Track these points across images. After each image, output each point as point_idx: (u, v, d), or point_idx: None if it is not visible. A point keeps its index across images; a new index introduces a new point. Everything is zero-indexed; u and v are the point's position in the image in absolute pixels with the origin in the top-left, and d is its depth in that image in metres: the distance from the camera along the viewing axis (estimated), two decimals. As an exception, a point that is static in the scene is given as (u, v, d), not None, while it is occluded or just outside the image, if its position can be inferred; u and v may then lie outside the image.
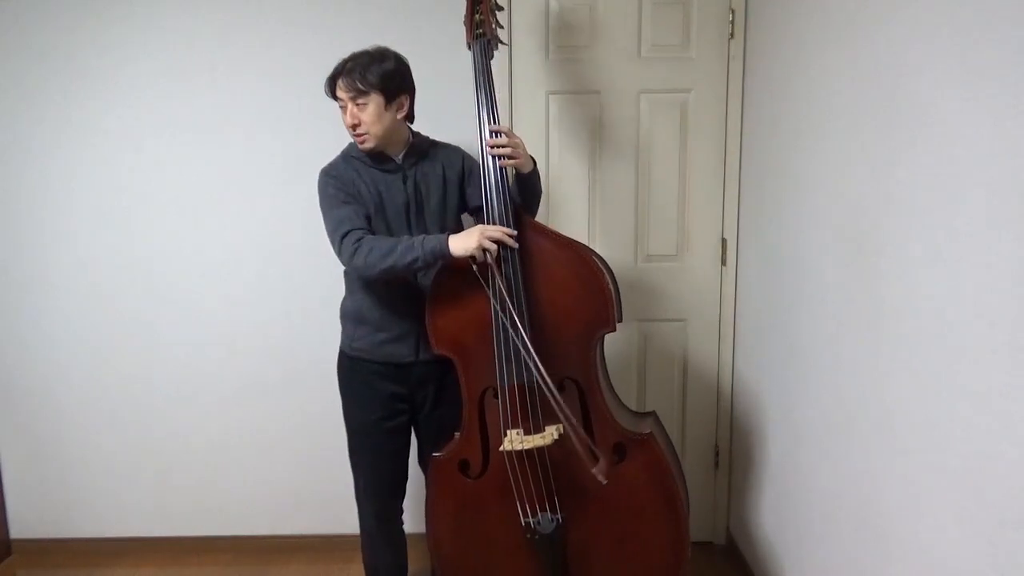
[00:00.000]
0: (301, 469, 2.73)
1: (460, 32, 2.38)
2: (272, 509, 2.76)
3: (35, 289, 2.63)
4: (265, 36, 2.48)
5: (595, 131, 2.49)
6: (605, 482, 1.65)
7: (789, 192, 2.07)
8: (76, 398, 2.69)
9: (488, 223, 1.82)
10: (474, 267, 1.79)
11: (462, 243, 1.76)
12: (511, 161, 1.84)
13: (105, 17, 2.47)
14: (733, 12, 2.40)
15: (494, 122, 1.87)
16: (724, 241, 2.54)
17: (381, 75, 1.85)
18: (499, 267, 1.78)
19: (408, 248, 1.78)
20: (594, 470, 1.65)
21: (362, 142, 1.90)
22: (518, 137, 1.89)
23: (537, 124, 2.46)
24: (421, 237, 1.80)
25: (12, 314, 2.65)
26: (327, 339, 2.59)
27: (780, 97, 2.13)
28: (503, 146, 1.83)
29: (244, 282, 2.62)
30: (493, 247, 1.76)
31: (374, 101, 1.86)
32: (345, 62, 1.87)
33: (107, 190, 2.57)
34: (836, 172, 1.75)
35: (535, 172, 1.95)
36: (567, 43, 2.44)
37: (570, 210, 2.51)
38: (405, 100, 1.92)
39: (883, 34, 1.52)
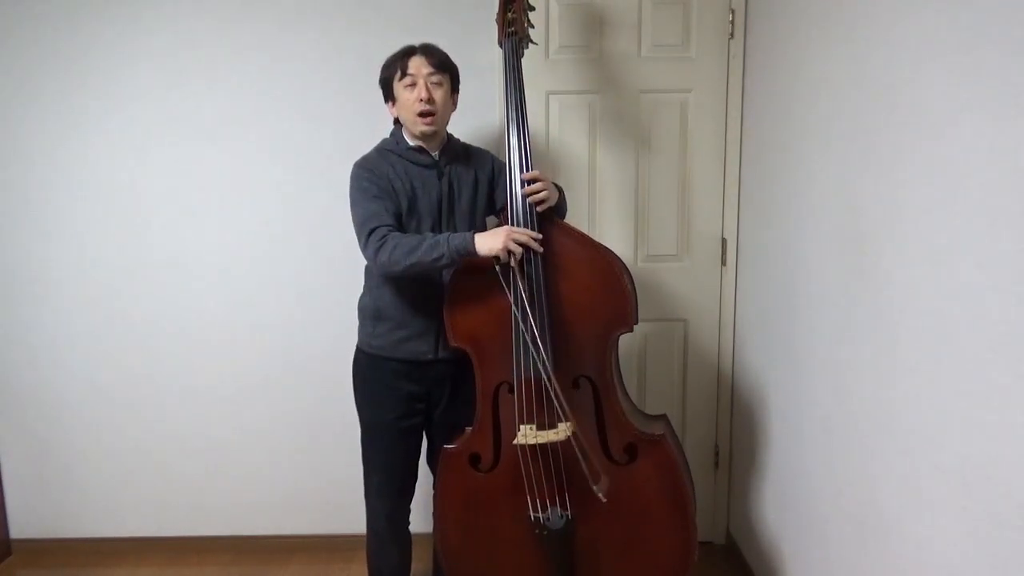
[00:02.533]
0: (301, 469, 2.73)
1: (460, 31, 2.39)
2: (272, 509, 2.76)
3: (36, 289, 2.63)
4: (266, 36, 2.48)
5: (595, 131, 2.49)
6: (604, 500, 1.71)
7: (789, 192, 2.07)
8: (76, 398, 2.69)
9: (512, 222, 1.83)
10: (497, 268, 1.79)
11: (488, 242, 1.77)
12: (541, 206, 1.86)
13: (106, 18, 2.47)
14: (733, 12, 2.40)
15: (524, 119, 1.89)
16: (724, 241, 2.54)
17: (452, 63, 1.95)
18: (522, 271, 1.78)
19: (433, 245, 1.78)
20: (595, 487, 1.71)
21: (429, 122, 1.91)
22: (547, 179, 1.91)
23: (537, 124, 2.46)
24: (447, 235, 1.81)
25: (13, 314, 2.65)
26: (328, 339, 2.60)
27: (780, 97, 2.13)
28: (537, 192, 1.85)
29: (244, 282, 2.62)
30: (519, 249, 1.76)
31: (446, 83, 1.93)
32: (412, 46, 1.93)
33: (108, 190, 2.57)
34: (836, 172, 1.75)
35: (562, 198, 1.99)
36: (567, 43, 2.44)
37: (570, 210, 2.50)
38: (456, 97, 2.00)
39: (883, 33, 1.52)
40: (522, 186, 1.85)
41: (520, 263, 1.78)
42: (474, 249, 1.77)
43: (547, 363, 1.77)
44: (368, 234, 1.84)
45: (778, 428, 2.22)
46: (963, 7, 1.25)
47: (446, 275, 1.92)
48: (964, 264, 1.25)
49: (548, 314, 1.82)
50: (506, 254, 1.76)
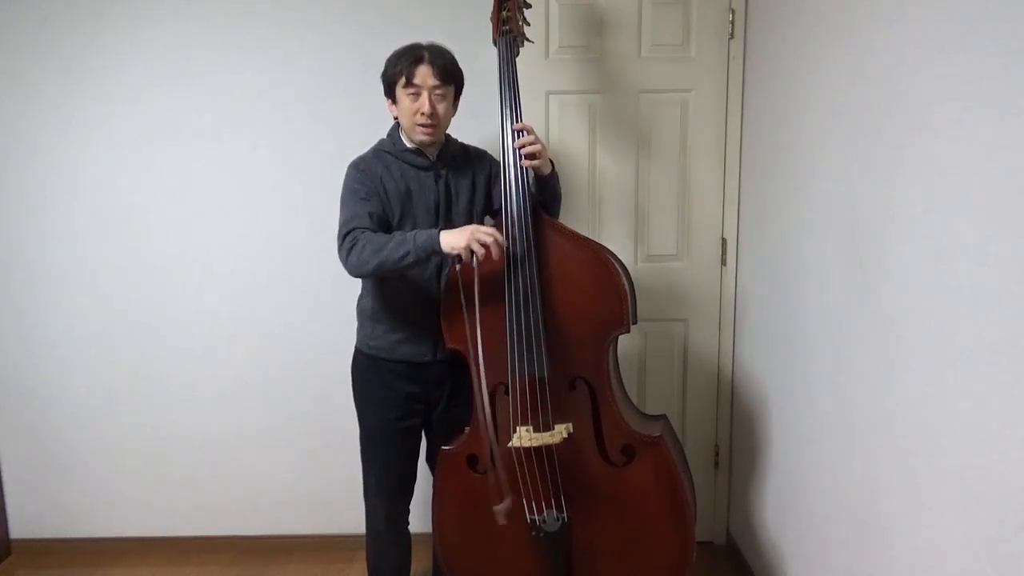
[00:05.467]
0: (301, 469, 2.73)
1: (461, 31, 2.39)
2: (272, 509, 2.76)
3: (36, 289, 2.63)
4: (266, 36, 2.48)
5: (595, 131, 2.49)
6: (502, 522, 1.77)
7: (789, 192, 2.07)
8: (76, 398, 2.69)
9: (506, 221, 1.82)
10: (457, 266, 1.77)
11: (452, 239, 1.73)
12: (534, 162, 1.83)
13: (105, 17, 2.47)
14: (733, 12, 2.40)
15: (518, 120, 1.86)
16: (724, 241, 2.54)
17: (458, 70, 1.91)
18: (480, 273, 1.74)
19: (400, 243, 1.76)
20: (496, 507, 1.76)
21: (429, 132, 1.88)
22: (541, 141, 1.89)
23: (537, 124, 2.46)
24: (413, 232, 1.78)
25: (12, 314, 2.65)
26: (328, 339, 2.60)
27: (780, 97, 2.13)
28: (531, 144, 1.82)
29: (244, 282, 2.62)
30: (480, 250, 1.72)
31: (450, 94, 1.90)
32: (422, 49, 1.86)
33: (108, 190, 2.57)
34: (836, 172, 1.75)
35: (554, 175, 1.95)
36: (567, 43, 2.44)
37: (570, 210, 2.50)
38: (459, 102, 1.98)
39: (883, 34, 1.52)
40: (514, 137, 1.84)
41: (483, 265, 1.74)
42: (439, 246, 1.74)
43: (544, 363, 1.77)
44: (344, 236, 1.82)
45: (778, 428, 2.22)
46: (963, 6, 1.25)
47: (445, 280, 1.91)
48: (964, 264, 1.25)
49: (543, 314, 1.82)
50: (468, 253, 1.73)
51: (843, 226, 1.72)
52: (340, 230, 1.86)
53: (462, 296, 1.77)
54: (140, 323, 2.64)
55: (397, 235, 1.79)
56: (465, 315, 1.77)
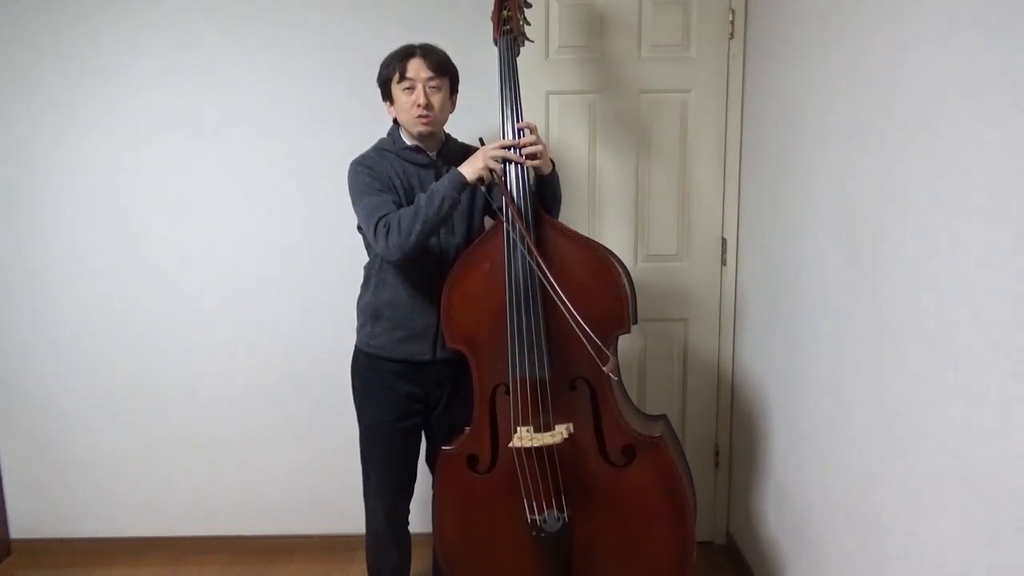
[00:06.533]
0: (301, 469, 2.73)
1: (462, 30, 2.39)
2: (272, 509, 2.76)
3: (35, 289, 2.63)
4: (267, 36, 2.48)
5: (595, 131, 2.49)
6: (616, 378, 1.72)
7: (789, 192, 2.07)
8: (76, 398, 2.69)
9: (507, 222, 1.82)
10: (482, 188, 1.87)
11: (469, 169, 1.81)
12: (535, 162, 1.84)
13: (105, 16, 2.47)
14: (733, 12, 2.40)
15: (519, 119, 1.87)
16: (724, 241, 2.54)
17: (451, 64, 1.95)
18: (505, 186, 1.82)
19: (429, 198, 1.79)
20: (604, 368, 1.70)
21: (427, 123, 1.90)
22: (542, 141, 1.89)
23: (537, 124, 2.45)
24: (431, 186, 1.83)
25: (12, 314, 2.65)
26: (327, 339, 2.60)
27: (780, 97, 2.13)
28: (532, 143, 1.83)
29: (244, 282, 2.62)
30: (497, 166, 1.80)
31: (445, 86, 1.93)
32: (413, 46, 1.91)
33: (108, 190, 2.57)
34: (836, 172, 1.75)
35: (555, 175, 1.95)
36: (567, 43, 2.44)
37: (570, 210, 2.51)
38: (456, 98, 2.00)
39: (883, 34, 1.52)
40: (516, 136, 1.85)
41: (506, 179, 1.82)
42: (464, 179, 1.81)
43: (545, 364, 1.77)
44: (375, 226, 1.82)
45: (778, 428, 2.22)
46: (963, 6, 1.25)
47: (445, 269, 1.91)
48: (964, 264, 1.25)
49: (543, 313, 1.82)
50: (488, 172, 1.80)
51: (843, 226, 1.72)
52: (368, 223, 1.85)
53: (505, 221, 1.82)
54: (140, 323, 2.64)
55: (420, 197, 1.82)
56: (504, 220, 1.83)
